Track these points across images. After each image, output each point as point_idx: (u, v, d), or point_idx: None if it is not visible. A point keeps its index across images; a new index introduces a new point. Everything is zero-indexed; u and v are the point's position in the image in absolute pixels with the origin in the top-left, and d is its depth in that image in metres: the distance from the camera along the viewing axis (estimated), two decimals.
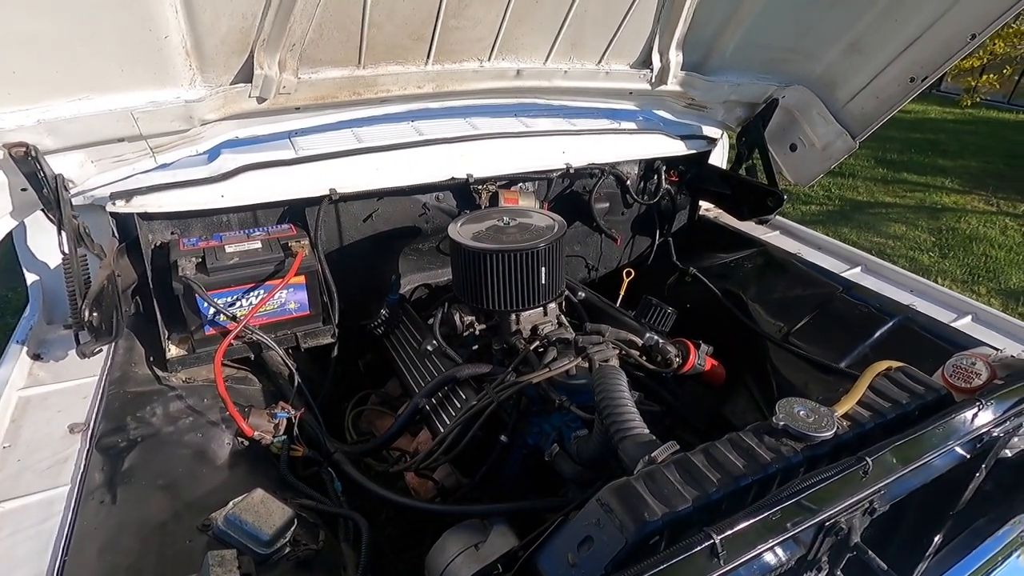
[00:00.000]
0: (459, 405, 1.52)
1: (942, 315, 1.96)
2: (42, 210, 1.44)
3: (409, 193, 2.01)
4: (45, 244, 1.69)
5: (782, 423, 0.97)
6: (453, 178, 1.99)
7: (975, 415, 1.03)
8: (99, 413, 1.40)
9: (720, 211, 2.79)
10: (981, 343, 1.70)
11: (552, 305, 1.79)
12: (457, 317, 1.75)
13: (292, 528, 1.26)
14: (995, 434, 1.05)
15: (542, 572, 0.85)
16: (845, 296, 2.12)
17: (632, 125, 2.41)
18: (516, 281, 1.65)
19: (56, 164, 1.42)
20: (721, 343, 2.08)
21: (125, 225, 1.69)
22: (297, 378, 1.69)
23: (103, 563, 1.07)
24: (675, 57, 2.07)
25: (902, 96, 2.10)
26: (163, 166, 1.65)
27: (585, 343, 1.55)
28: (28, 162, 1.33)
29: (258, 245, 1.72)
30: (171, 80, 1.42)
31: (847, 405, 1.05)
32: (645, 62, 2.07)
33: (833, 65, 2.21)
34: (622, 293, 2.33)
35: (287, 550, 1.24)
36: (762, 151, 2.45)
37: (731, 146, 2.77)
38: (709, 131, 2.58)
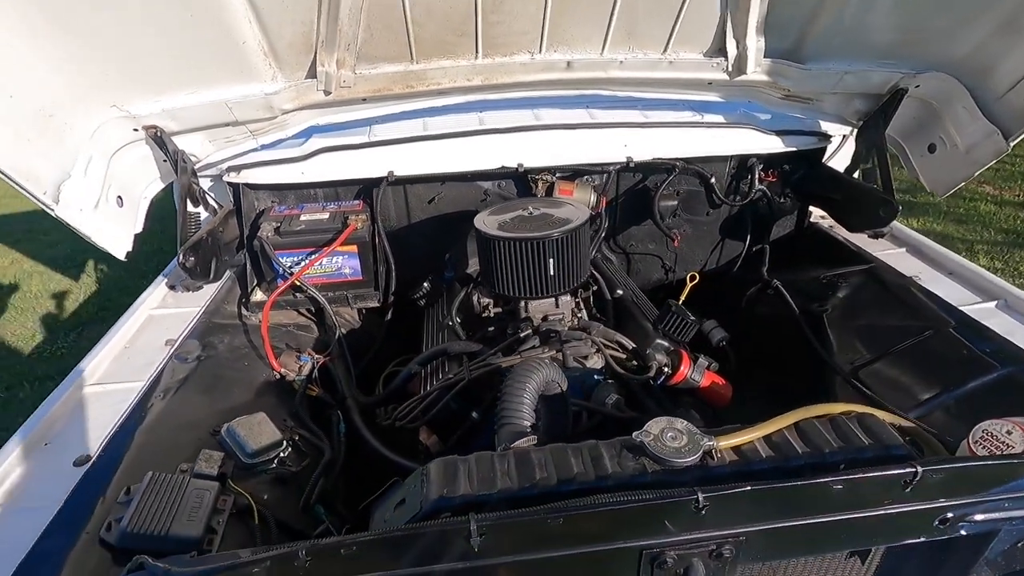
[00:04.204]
0: (441, 376, 1.65)
1: None
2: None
3: (463, 179, 2.15)
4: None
5: (640, 439, 0.90)
6: (503, 167, 2.08)
7: (909, 481, 0.83)
8: (186, 334, 1.83)
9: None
10: None
11: (566, 298, 1.79)
12: (476, 299, 1.86)
13: (279, 449, 1.52)
14: (932, 509, 0.83)
15: (371, 518, 0.95)
16: (952, 333, 1.72)
17: (718, 118, 2.22)
18: (523, 270, 1.70)
19: (183, 143, 1.88)
20: (785, 366, 1.85)
21: (240, 193, 2.13)
22: (339, 331, 1.97)
23: (138, 441, 1.44)
24: (755, 43, 1.86)
25: None
26: (265, 146, 2.04)
27: (568, 336, 1.54)
28: (158, 140, 1.79)
29: (326, 216, 2.04)
30: (255, 77, 1.76)
31: (743, 438, 0.92)
32: (720, 49, 1.90)
33: (984, 47, 1.78)
34: (682, 297, 2.18)
35: (272, 466, 1.51)
36: (879, 151, 2.07)
37: None
38: (826, 126, 2.25)
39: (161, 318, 1.96)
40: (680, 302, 2.17)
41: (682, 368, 1.49)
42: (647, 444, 0.89)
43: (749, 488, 0.82)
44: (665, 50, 1.90)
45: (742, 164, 2.32)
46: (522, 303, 1.78)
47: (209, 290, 2.06)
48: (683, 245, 2.51)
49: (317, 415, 1.76)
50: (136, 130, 1.77)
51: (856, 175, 2.21)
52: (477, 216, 1.83)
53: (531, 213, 1.81)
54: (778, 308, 2.15)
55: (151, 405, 1.56)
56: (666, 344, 1.64)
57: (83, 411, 1.55)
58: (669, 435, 0.91)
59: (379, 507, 0.96)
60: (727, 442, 0.92)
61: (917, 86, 1.94)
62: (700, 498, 0.80)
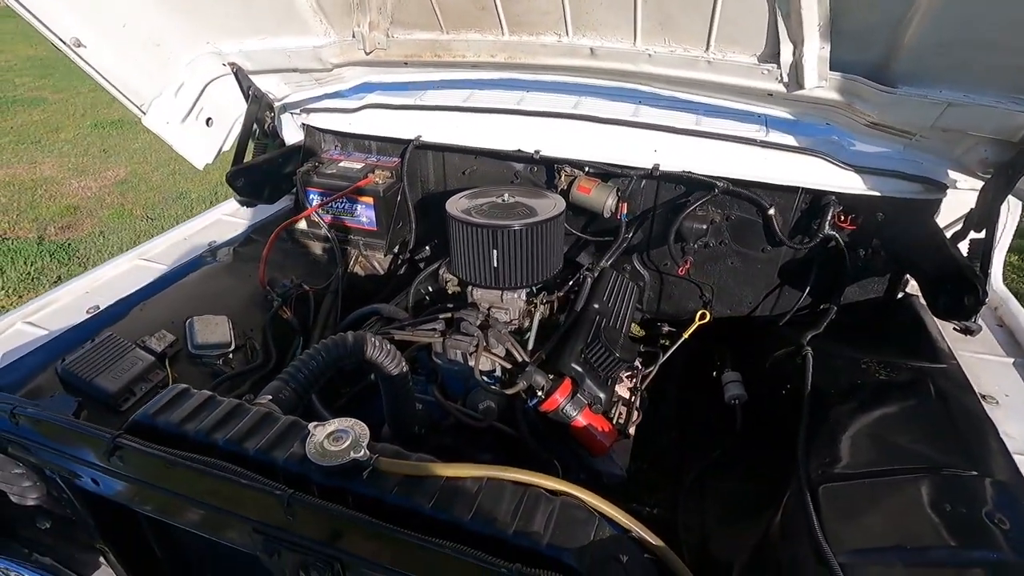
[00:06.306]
0: None
1: None
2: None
3: (494, 156, 2.14)
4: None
5: (310, 427, 0.89)
6: (520, 151, 2.02)
7: None
8: (225, 239, 2.20)
9: None
10: None
11: (512, 295, 1.71)
12: (442, 272, 1.88)
13: (224, 349, 1.79)
14: None
15: None
16: (982, 486, 1.24)
17: (788, 139, 1.82)
18: (468, 255, 1.67)
19: (263, 82, 2.21)
20: (769, 446, 1.57)
21: (306, 132, 2.42)
22: (339, 269, 2.18)
23: (138, 310, 1.80)
24: (816, 50, 1.47)
25: None
26: (329, 95, 2.29)
27: (467, 328, 1.50)
28: (237, 75, 2.13)
29: (359, 166, 2.22)
30: (309, 31, 1.97)
31: (413, 469, 0.84)
32: (774, 54, 1.55)
33: None
34: (685, 335, 1.92)
35: (216, 362, 1.78)
36: (990, 220, 1.50)
37: None
38: (950, 174, 1.71)
39: (223, 223, 2.38)
40: (680, 341, 1.92)
41: (555, 396, 1.34)
42: (311, 433, 0.88)
43: (344, 513, 0.77)
44: (707, 48, 1.62)
45: (816, 201, 1.89)
46: (469, 288, 1.76)
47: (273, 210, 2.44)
48: (730, 280, 2.16)
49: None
50: (224, 65, 2.13)
51: (964, 244, 1.64)
52: (457, 194, 1.83)
53: (504, 201, 1.75)
54: (796, 380, 1.75)
55: (165, 287, 1.94)
56: (577, 369, 1.48)
57: (124, 277, 2.01)
58: (340, 434, 0.88)
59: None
60: (392, 466, 0.85)
61: None
62: (288, 500, 0.78)
